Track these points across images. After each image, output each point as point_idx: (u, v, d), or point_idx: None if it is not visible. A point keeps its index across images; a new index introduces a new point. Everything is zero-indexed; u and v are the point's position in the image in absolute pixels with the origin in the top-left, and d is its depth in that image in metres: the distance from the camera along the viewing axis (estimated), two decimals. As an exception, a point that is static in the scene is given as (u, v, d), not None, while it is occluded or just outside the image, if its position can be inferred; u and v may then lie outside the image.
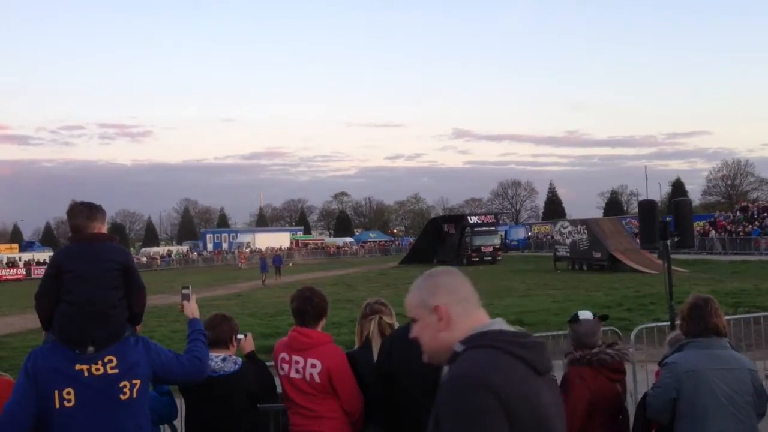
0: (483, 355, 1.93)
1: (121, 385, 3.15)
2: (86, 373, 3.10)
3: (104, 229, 3.38)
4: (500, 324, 2.05)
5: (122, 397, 3.14)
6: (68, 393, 3.07)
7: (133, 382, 3.18)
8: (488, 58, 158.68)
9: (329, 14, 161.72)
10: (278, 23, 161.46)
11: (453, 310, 2.08)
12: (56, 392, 3.07)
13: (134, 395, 3.18)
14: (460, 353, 1.99)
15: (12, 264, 64.76)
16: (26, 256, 71.26)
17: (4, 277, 58.36)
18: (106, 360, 3.14)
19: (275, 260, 41.49)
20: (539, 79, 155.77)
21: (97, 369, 3.12)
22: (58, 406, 3.07)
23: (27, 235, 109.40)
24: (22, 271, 61.30)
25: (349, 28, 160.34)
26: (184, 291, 3.86)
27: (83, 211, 3.34)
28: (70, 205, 3.40)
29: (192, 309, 3.80)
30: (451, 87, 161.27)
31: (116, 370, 3.14)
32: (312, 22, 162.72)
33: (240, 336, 4.29)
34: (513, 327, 2.07)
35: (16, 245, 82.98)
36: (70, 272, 3.20)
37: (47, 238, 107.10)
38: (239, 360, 4.13)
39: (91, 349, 3.13)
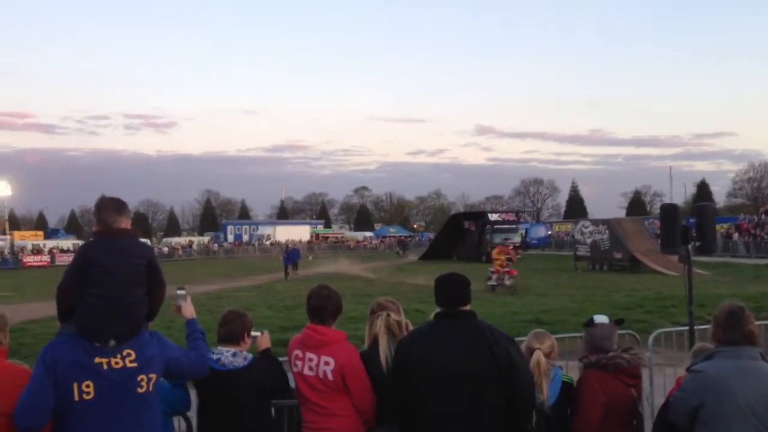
0: None
1: (139, 378, 3.20)
2: (105, 366, 3.15)
3: (130, 225, 3.42)
4: None
5: (140, 390, 3.20)
6: (87, 386, 3.12)
7: (150, 375, 3.24)
8: (513, 54, 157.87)
9: (353, 8, 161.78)
10: (303, 17, 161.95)
11: None
12: (75, 385, 3.11)
13: (150, 388, 3.24)
14: None
15: (37, 251, 65.59)
16: (51, 243, 72.26)
17: (29, 264, 59.07)
18: (124, 353, 3.18)
19: (292, 255, 39.91)
20: (564, 76, 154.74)
21: (117, 362, 3.16)
22: (76, 398, 3.11)
23: (52, 223, 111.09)
24: (46, 258, 62.04)
25: (372, 22, 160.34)
26: (179, 292, 3.86)
27: (113, 206, 3.38)
28: (100, 198, 3.44)
29: (189, 310, 3.83)
30: (474, 83, 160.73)
31: (135, 364, 3.19)
32: (336, 17, 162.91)
33: (256, 333, 4.31)
34: None
35: (41, 232, 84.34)
36: (98, 266, 3.22)
37: (72, 226, 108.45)
38: (249, 356, 4.14)
39: (112, 342, 3.17)
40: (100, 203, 3.40)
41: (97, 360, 3.15)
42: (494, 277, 25.11)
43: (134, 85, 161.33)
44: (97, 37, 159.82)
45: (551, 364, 4.15)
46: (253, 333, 4.30)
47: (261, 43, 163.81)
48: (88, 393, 3.12)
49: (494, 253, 26.79)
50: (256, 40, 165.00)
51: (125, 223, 3.38)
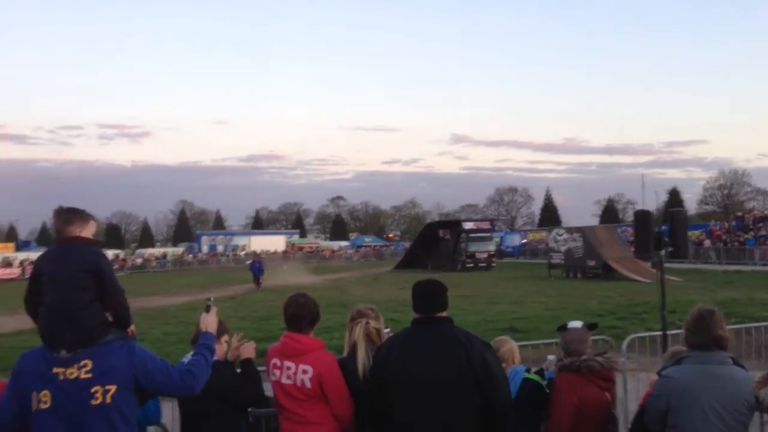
0: None
1: (92, 390, 3.14)
2: (61, 377, 3.14)
3: (85, 233, 3.39)
4: None
5: (93, 402, 3.14)
6: (44, 395, 3.12)
7: (107, 387, 3.16)
8: (487, 63, 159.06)
9: (328, 19, 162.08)
10: (276, 26, 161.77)
11: None
12: (34, 394, 3.13)
13: (107, 400, 3.16)
14: None
15: (7, 263, 64.48)
16: (22, 255, 70.97)
17: (-1, 277, 58.14)
18: (81, 364, 3.15)
19: (254, 267, 36.62)
20: (537, 85, 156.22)
21: (71, 373, 3.14)
22: (34, 407, 3.12)
23: (23, 235, 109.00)
24: (17, 271, 61.02)
25: (347, 32, 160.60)
26: (207, 303, 3.81)
27: (63, 216, 3.40)
28: (54, 209, 3.45)
29: (207, 322, 3.72)
30: (449, 92, 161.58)
31: (89, 375, 3.15)
32: (311, 27, 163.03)
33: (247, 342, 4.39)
34: None
35: (12, 245, 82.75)
36: (44, 275, 3.27)
37: (43, 238, 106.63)
38: None
39: (63, 352, 3.15)
40: (53, 213, 3.43)
41: (54, 370, 3.14)
42: None
43: (108, 95, 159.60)
44: (70, 46, 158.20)
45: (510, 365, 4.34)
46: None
47: (237, 53, 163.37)
48: (45, 402, 3.12)
49: None
50: (232, 50, 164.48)
51: (78, 231, 3.37)
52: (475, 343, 3.64)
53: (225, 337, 4.35)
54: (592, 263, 35.48)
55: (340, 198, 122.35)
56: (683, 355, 3.82)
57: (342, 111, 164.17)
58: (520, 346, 7.85)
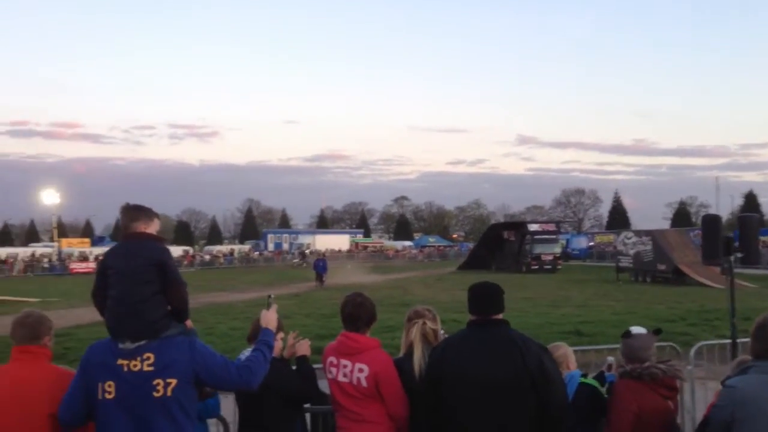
0: None
1: (154, 382, 3.24)
2: (125, 369, 3.25)
3: (150, 229, 3.50)
4: None
5: (155, 394, 3.23)
6: (109, 386, 3.25)
7: (168, 380, 3.25)
8: (556, 63, 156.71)
9: (394, 19, 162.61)
10: (342, 27, 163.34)
11: None
12: (100, 384, 3.26)
13: (168, 393, 3.25)
14: None
15: (84, 258, 67.17)
16: (97, 250, 73.69)
17: (75, 270, 60.55)
18: (144, 356, 3.26)
19: (317, 265, 37.30)
20: (608, 85, 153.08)
21: (135, 365, 3.25)
22: (100, 397, 3.26)
23: (98, 231, 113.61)
24: (92, 265, 63.30)
25: (413, 33, 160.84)
26: (268, 299, 3.90)
27: (128, 213, 3.53)
28: (121, 207, 3.58)
29: (267, 318, 3.80)
30: (516, 93, 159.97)
31: (151, 368, 3.25)
32: (377, 27, 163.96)
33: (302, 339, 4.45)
34: None
35: (87, 240, 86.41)
36: (111, 269, 3.40)
37: (117, 233, 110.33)
38: None
39: (128, 343, 3.27)
40: (120, 211, 3.56)
41: (119, 362, 3.26)
42: None
43: (179, 95, 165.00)
44: (143, 49, 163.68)
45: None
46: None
47: (303, 54, 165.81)
48: (109, 393, 3.24)
49: None
50: (298, 51, 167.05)
51: (143, 227, 3.48)
52: (531, 346, 3.60)
53: (281, 335, 4.40)
54: (662, 267, 34.53)
55: (404, 198, 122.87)
56: (748, 365, 3.68)
57: (408, 111, 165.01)
58: (585, 351, 7.75)
